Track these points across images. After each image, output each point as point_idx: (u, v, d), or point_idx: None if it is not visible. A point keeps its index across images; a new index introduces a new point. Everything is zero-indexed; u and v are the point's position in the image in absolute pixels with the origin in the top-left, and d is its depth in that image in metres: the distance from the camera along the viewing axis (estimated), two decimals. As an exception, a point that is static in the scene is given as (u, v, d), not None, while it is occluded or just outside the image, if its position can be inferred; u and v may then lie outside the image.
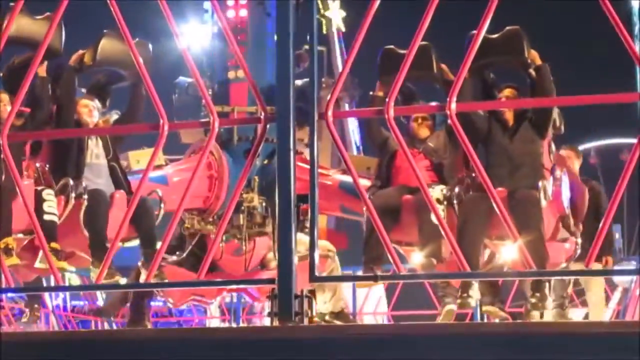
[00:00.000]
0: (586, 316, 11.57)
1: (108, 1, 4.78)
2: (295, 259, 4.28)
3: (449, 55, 8.29)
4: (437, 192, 7.74)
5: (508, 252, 7.57)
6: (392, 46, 8.31)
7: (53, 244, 7.76)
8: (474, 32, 7.60)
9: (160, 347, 4.27)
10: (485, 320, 8.81)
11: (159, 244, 7.05)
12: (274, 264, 8.74)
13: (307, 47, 4.73)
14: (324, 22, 26.16)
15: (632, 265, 16.12)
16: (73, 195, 8.01)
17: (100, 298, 20.07)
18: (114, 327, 14.63)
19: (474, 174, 7.83)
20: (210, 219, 9.47)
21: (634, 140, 4.13)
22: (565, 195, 8.01)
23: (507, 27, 7.79)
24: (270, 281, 4.37)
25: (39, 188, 7.87)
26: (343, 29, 26.08)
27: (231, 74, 10.04)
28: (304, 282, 4.36)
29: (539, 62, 7.85)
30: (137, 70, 8.23)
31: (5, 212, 7.68)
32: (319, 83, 4.75)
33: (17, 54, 8.40)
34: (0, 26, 5.32)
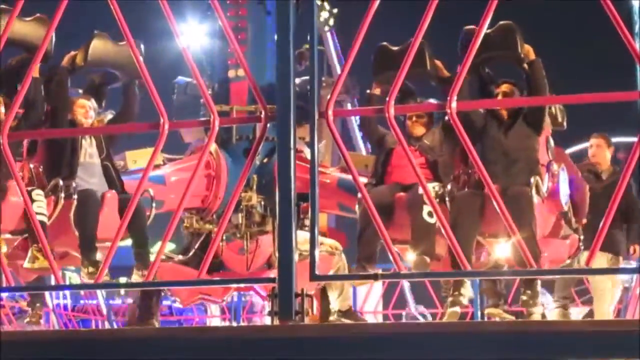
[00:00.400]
0: (590, 312, 11.52)
1: (108, 1, 4.77)
2: (296, 257, 4.27)
3: (443, 51, 8.28)
4: (429, 188, 7.73)
5: (501, 249, 7.54)
6: (385, 43, 8.29)
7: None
8: (469, 27, 7.65)
9: (160, 346, 4.27)
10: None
11: (159, 244, 7.03)
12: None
13: (307, 46, 4.73)
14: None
15: (632, 264, 16.08)
16: (63, 195, 8.04)
17: (101, 297, 20.05)
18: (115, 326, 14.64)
19: (470, 171, 7.82)
20: (209, 218, 9.48)
21: (632, 139, 4.13)
22: (564, 191, 7.96)
23: (500, 22, 7.76)
24: (271, 280, 4.36)
25: (29, 188, 7.91)
26: (332, 24, 25.98)
27: (231, 73, 10.05)
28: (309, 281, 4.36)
29: (532, 56, 7.82)
30: (129, 70, 8.32)
31: None
32: (319, 82, 4.74)
33: (9, 56, 8.42)
34: (-1, 27, 5.31)
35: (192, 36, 10.52)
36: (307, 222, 8.48)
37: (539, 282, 7.62)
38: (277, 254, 4.34)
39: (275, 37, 4.49)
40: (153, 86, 4.75)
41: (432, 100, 8.34)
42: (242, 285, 9.86)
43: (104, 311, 19.75)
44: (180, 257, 9.32)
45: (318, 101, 4.45)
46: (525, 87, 7.94)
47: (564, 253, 8.10)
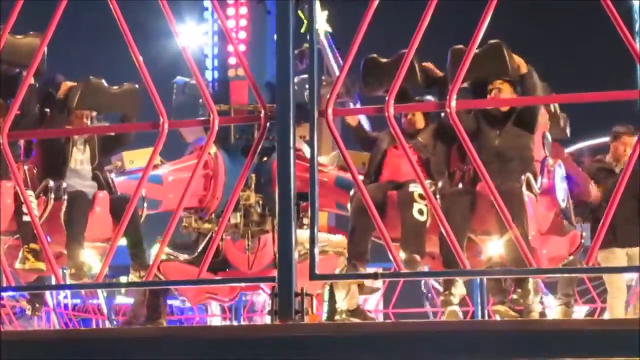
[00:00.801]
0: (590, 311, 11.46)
1: (108, 1, 4.77)
2: (296, 256, 4.27)
3: (440, 51, 8.25)
4: (420, 187, 7.72)
5: (494, 247, 7.51)
6: (374, 55, 8.31)
7: (32, 245, 7.86)
8: (456, 47, 7.63)
9: (161, 346, 4.27)
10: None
11: (159, 244, 7.04)
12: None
13: (307, 45, 4.73)
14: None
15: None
16: (52, 196, 8.06)
17: (101, 297, 20.07)
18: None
19: (466, 167, 7.81)
20: (208, 218, 9.49)
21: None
22: (561, 187, 7.92)
23: (488, 42, 7.68)
24: (271, 279, 4.36)
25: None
26: (329, 29, 25.92)
27: (231, 72, 10.06)
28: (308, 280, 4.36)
29: (524, 70, 7.77)
30: (122, 111, 8.38)
31: None
32: (319, 81, 4.75)
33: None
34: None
35: (190, 36, 10.55)
36: (306, 220, 8.52)
37: (530, 280, 7.55)
38: (277, 253, 4.34)
39: (275, 37, 4.50)
40: (153, 86, 4.75)
41: (429, 98, 8.34)
42: (243, 284, 9.84)
43: (105, 310, 19.78)
44: (186, 256, 9.35)
45: (318, 100, 4.45)
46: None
47: (564, 250, 8.03)
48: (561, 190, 7.89)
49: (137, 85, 8.57)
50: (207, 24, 10.68)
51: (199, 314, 20.32)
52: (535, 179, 7.67)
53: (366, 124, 11.08)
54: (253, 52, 9.90)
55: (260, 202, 9.37)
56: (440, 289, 17.01)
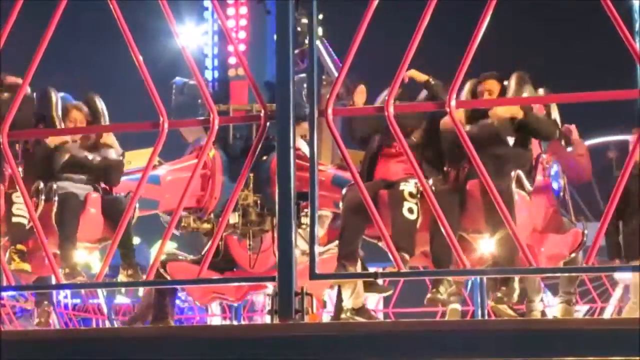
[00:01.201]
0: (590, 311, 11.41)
1: (108, 1, 4.78)
2: (296, 255, 4.27)
3: (438, 52, 8.25)
4: (410, 186, 7.70)
5: (485, 245, 7.47)
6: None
7: (19, 246, 7.90)
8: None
9: (161, 345, 4.28)
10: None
11: (158, 245, 7.05)
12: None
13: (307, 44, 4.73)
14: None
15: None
16: (43, 197, 8.06)
17: (101, 296, 20.07)
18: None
19: (460, 167, 7.79)
20: (207, 218, 9.50)
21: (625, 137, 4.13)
22: (557, 185, 7.89)
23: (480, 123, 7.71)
24: (271, 278, 4.36)
25: (9, 191, 7.97)
26: (321, 32, 25.95)
27: (231, 72, 10.06)
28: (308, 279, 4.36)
29: (520, 115, 7.70)
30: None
31: None
32: (318, 80, 4.75)
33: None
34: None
35: (191, 37, 10.55)
36: (305, 220, 8.52)
37: (515, 278, 7.48)
38: (276, 253, 4.34)
39: (275, 37, 4.50)
40: (152, 85, 4.75)
41: (425, 93, 8.34)
42: (248, 284, 9.85)
43: (105, 310, 19.77)
44: (192, 256, 9.38)
45: (318, 100, 4.46)
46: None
47: (564, 248, 7.95)
48: (558, 187, 7.86)
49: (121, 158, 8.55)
50: (207, 24, 10.70)
51: (199, 313, 20.31)
52: (530, 176, 7.63)
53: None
54: (253, 52, 9.91)
55: (259, 201, 9.37)
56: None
